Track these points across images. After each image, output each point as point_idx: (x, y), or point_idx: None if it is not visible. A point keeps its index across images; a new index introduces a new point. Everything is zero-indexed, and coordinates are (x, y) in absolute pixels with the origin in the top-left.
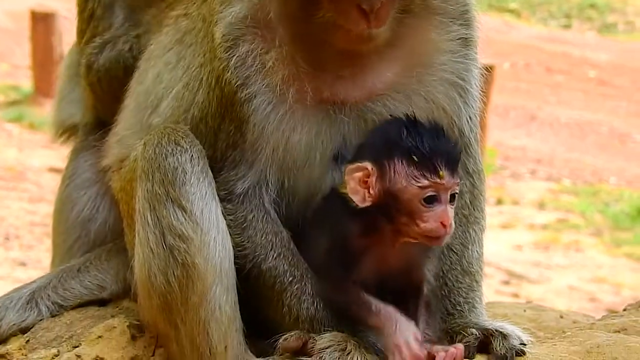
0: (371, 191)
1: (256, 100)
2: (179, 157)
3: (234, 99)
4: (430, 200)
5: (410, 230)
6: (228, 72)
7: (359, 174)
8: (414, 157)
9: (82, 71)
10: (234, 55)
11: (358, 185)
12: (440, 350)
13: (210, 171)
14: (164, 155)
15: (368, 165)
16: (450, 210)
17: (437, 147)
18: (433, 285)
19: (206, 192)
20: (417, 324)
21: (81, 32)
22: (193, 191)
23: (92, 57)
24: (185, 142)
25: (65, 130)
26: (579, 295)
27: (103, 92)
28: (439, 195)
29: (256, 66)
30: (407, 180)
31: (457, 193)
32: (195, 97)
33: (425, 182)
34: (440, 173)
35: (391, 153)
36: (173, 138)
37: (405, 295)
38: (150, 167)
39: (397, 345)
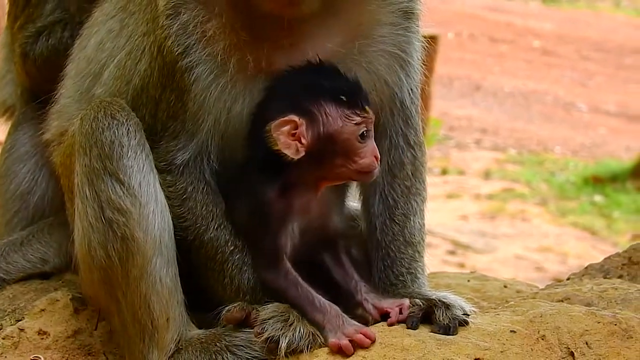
0: (303, 141)
1: (197, 70)
2: (116, 130)
3: (175, 68)
4: (363, 136)
5: (346, 170)
6: (169, 40)
7: (286, 128)
8: (342, 97)
9: (17, 60)
10: (175, 23)
11: (288, 138)
12: (395, 307)
13: (147, 144)
14: (100, 129)
15: (293, 117)
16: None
17: (353, 85)
18: (346, 235)
19: (144, 165)
20: (349, 275)
21: (14, 18)
22: (130, 164)
23: (27, 46)
24: (121, 115)
25: (7, 110)
26: (525, 264)
27: (43, 79)
28: (369, 130)
29: (197, 35)
30: (342, 120)
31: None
32: (137, 66)
33: (358, 119)
34: (366, 108)
35: (316, 98)
36: (109, 112)
37: (322, 249)
38: (88, 142)
39: (349, 335)
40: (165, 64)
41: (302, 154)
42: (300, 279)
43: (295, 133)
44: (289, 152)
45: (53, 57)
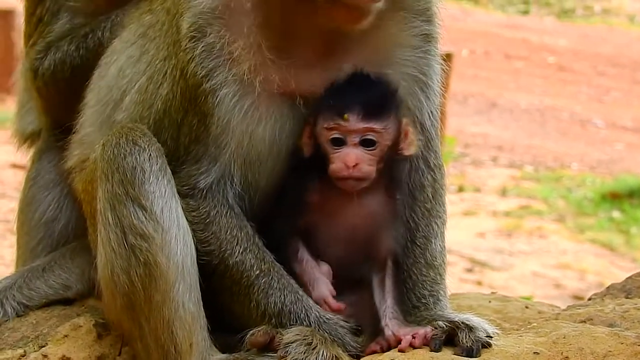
0: (311, 140)
1: (221, 92)
2: (137, 156)
3: (198, 92)
4: (338, 143)
5: (331, 176)
6: (193, 62)
7: (305, 128)
8: (329, 102)
9: (28, 75)
10: (199, 45)
11: (305, 138)
12: (407, 334)
13: (169, 169)
14: (122, 155)
15: (310, 119)
16: (358, 153)
17: (350, 93)
18: (399, 260)
19: (166, 191)
20: (385, 298)
21: (28, 37)
22: (152, 190)
23: (37, 61)
24: (143, 141)
25: (28, 138)
26: (543, 281)
27: (50, 96)
28: (345, 138)
29: (223, 57)
30: (320, 124)
31: (372, 139)
32: (159, 90)
33: (331, 124)
34: (345, 116)
35: (321, 103)
36: (131, 138)
37: (370, 269)
38: (110, 168)
39: (317, 300)
40: (187, 87)
41: (309, 153)
42: (303, 248)
43: (310, 134)
44: (304, 149)
45: (59, 72)
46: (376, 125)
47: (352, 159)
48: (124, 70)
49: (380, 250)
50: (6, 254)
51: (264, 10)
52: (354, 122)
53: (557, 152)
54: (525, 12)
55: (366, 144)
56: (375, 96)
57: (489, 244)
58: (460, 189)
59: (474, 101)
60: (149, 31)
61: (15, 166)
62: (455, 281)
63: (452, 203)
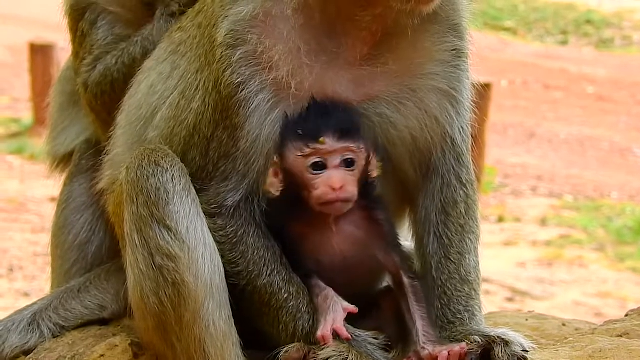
0: (279, 178)
1: (256, 100)
2: (160, 177)
3: (231, 103)
4: (318, 167)
5: (311, 204)
6: (228, 70)
7: (271, 169)
8: (299, 131)
9: (80, 90)
10: (237, 52)
11: (272, 177)
12: (443, 350)
13: (193, 189)
14: (145, 177)
15: (275, 157)
16: (342, 174)
17: (320, 117)
18: (413, 275)
19: (190, 210)
20: (414, 322)
21: (76, 55)
22: (177, 210)
23: (86, 74)
24: (165, 162)
25: (61, 161)
26: (584, 310)
27: (100, 109)
28: (325, 161)
29: (261, 63)
30: (293, 154)
31: (351, 158)
32: (191, 104)
33: (307, 150)
34: (321, 139)
35: (285, 136)
36: (153, 159)
37: (391, 295)
38: (134, 190)
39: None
40: (220, 98)
41: (278, 191)
42: (317, 280)
43: (277, 172)
44: (272, 190)
45: (103, 85)
46: (352, 145)
47: (338, 181)
48: (155, 86)
49: (387, 269)
50: (47, 287)
51: (305, 14)
52: (331, 143)
53: (597, 181)
54: (564, 43)
55: (347, 164)
56: (344, 118)
57: (530, 273)
58: (501, 219)
59: (513, 132)
60: (180, 47)
61: (54, 200)
62: (495, 310)
63: (493, 233)
